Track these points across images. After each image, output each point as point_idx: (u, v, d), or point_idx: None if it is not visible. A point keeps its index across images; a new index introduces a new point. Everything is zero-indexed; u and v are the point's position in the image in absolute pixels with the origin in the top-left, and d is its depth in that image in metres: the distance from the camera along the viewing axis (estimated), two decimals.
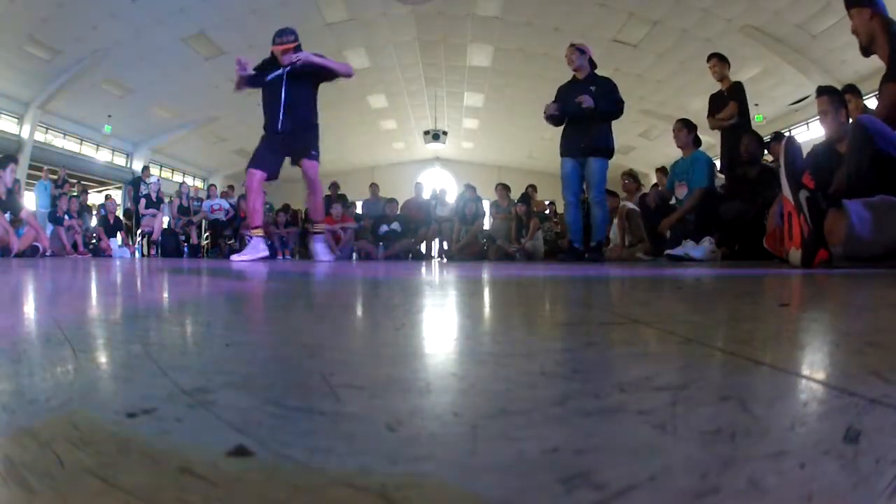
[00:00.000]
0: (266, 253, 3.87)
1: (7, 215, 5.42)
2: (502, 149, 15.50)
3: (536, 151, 14.25)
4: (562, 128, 4.33)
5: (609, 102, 4.13)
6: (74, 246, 7.06)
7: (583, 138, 4.23)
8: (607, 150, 4.24)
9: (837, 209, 1.94)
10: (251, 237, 3.86)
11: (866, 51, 2.36)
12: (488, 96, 12.35)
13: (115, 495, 0.17)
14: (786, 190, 2.09)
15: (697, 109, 8.10)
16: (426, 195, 8.08)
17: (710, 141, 5.66)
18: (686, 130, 4.45)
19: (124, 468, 0.19)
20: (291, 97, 3.75)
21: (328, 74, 3.88)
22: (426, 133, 13.33)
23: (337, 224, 6.89)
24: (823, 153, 2.67)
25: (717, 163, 4.75)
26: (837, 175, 2.33)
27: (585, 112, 4.07)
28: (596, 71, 4.38)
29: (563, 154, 4.35)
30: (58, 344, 0.43)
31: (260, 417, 0.24)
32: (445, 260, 6.35)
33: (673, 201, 4.44)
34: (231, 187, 9.77)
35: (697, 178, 4.22)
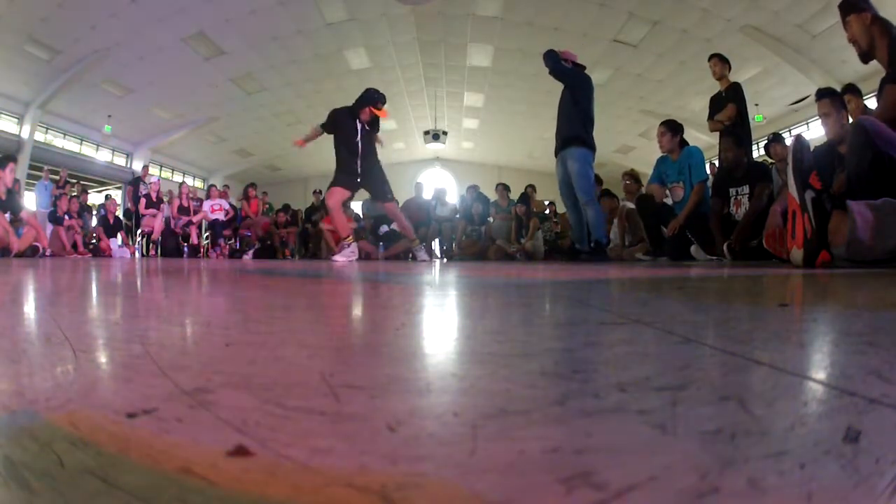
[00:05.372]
0: (354, 256, 4.41)
1: (7, 215, 5.42)
2: (502, 149, 15.50)
3: (536, 151, 14.25)
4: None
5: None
6: (74, 246, 7.06)
7: (557, 134, 4.26)
8: (578, 139, 4.13)
9: (841, 211, 1.93)
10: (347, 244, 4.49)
11: (866, 56, 2.33)
12: (488, 96, 12.34)
13: (115, 495, 0.17)
14: (792, 188, 2.07)
15: (697, 109, 8.11)
16: (427, 195, 8.08)
17: (711, 142, 5.67)
18: (671, 134, 4.18)
19: (124, 468, 0.19)
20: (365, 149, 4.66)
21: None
22: (426, 133, 13.33)
23: None
24: (824, 154, 2.67)
25: (716, 163, 4.70)
26: (838, 176, 2.32)
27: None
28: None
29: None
30: (58, 344, 0.43)
31: (260, 417, 0.24)
32: (446, 260, 6.35)
33: (670, 202, 4.36)
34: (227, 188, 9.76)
35: (697, 173, 4.07)
